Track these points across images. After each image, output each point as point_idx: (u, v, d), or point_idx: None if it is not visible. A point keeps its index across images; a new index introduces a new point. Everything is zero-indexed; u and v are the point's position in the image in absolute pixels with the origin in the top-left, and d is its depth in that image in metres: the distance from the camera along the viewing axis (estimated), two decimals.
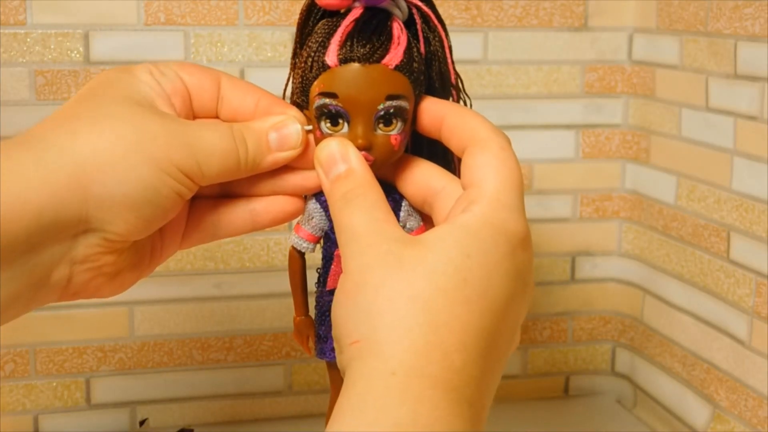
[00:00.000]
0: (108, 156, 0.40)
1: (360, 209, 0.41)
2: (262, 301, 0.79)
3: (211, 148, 0.43)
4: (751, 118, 0.69)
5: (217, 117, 0.46)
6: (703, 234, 0.75)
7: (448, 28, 0.47)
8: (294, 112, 0.46)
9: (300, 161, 0.46)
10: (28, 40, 0.72)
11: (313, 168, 0.45)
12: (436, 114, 0.45)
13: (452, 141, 0.44)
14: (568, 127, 0.84)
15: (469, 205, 0.41)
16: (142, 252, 0.46)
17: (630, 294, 0.86)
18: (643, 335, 0.84)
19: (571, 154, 0.84)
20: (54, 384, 0.77)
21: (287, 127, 0.45)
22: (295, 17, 0.75)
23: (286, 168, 0.46)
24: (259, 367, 0.81)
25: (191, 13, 0.74)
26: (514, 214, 0.41)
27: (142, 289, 0.78)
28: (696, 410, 0.77)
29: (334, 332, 0.40)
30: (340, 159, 0.43)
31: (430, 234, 0.40)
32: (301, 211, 0.47)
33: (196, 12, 0.74)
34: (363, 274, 0.39)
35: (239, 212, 0.47)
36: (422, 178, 0.45)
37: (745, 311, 0.71)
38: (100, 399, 0.78)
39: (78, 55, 0.73)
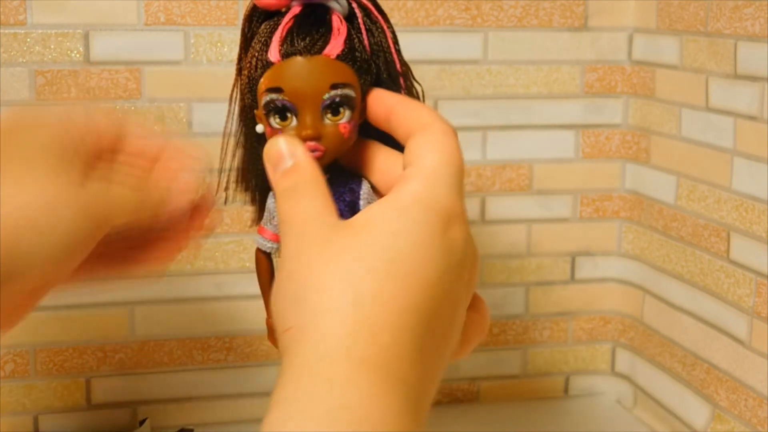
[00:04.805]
0: (29, 211, 0.41)
1: (300, 200, 0.42)
2: (262, 301, 0.79)
3: (121, 204, 0.44)
4: (751, 118, 0.69)
5: (122, 158, 0.48)
6: (703, 234, 0.75)
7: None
8: (195, 153, 0.48)
9: (197, 213, 0.48)
10: (28, 40, 0.72)
11: (202, 221, 0.48)
12: (383, 106, 0.46)
13: (399, 131, 0.45)
14: (568, 127, 0.84)
15: (404, 183, 0.41)
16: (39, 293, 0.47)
17: (630, 294, 0.86)
18: (643, 335, 0.84)
19: (571, 154, 0.84)
20: (54, 384, 0.77)
21: (187, 175, 0.47)
22: None
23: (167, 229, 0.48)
24: (259, 367, 0.81)
25: (191, 13, 0.74)
26: (447, 190, 0.41)
27: (142, 289, 0.78)
28: (696, 410, 0.77)
29: (273, 322, 0.41)
30: (288, 155, 0.43)
31: (360, 215, 0.41)
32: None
33: (196, 12, 0.74)
34: (292, 261, 0.40)
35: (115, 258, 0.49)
36: (386, 165, 0.46)
37: (745, 311, 0.71)
38: (100, 399, 0.78)
39: (78, 55, 0.73)
